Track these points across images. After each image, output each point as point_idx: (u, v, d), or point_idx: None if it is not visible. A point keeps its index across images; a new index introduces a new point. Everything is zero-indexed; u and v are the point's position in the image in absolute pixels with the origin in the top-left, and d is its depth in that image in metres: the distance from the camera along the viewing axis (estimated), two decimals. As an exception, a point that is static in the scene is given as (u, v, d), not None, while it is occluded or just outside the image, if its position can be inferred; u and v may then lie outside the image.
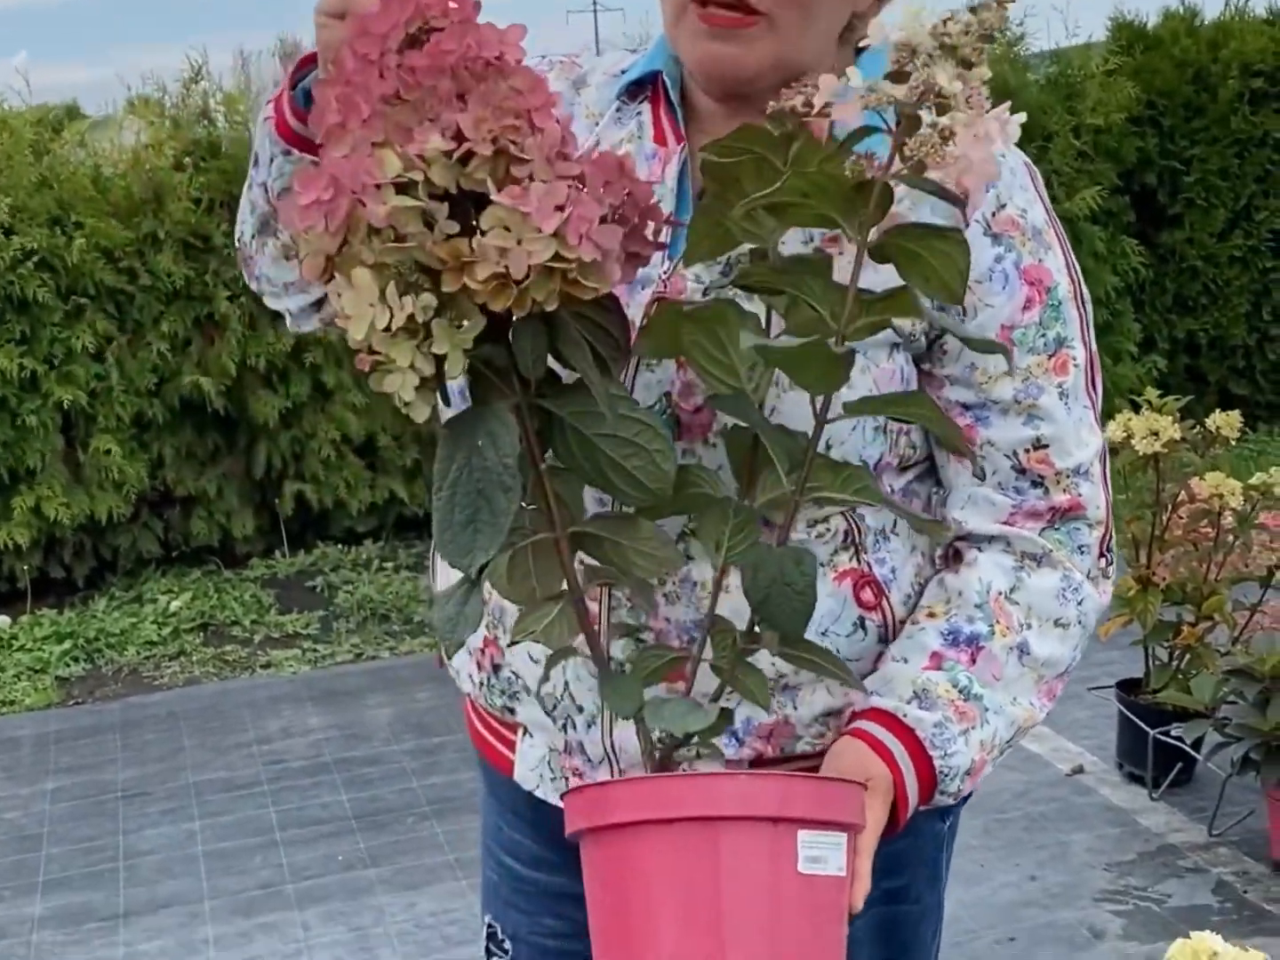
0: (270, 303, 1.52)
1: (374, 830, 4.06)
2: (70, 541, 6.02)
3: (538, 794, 1.52)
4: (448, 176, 1.04)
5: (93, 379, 5.83)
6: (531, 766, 1.53)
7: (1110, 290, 7.00)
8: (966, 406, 1.41)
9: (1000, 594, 1.40)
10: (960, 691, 1.37)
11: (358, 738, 4.71)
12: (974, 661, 1.38)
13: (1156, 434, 3.74)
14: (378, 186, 1.03)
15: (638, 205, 1.12)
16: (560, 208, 1.02)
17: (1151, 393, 3.95)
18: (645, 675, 1.27)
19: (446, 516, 1.13)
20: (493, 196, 1.03)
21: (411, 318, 1.06)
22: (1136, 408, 3.91)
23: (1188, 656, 3.87)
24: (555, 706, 1.46)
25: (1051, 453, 1.40)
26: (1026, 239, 1.39)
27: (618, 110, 1.47)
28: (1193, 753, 3.83)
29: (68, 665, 5.55)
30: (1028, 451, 1.41)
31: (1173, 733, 3.81)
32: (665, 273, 1.38)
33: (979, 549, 1.43)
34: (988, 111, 1.08)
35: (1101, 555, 1.44)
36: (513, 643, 1.31)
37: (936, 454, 1.45)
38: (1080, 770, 4.12)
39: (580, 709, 1.45)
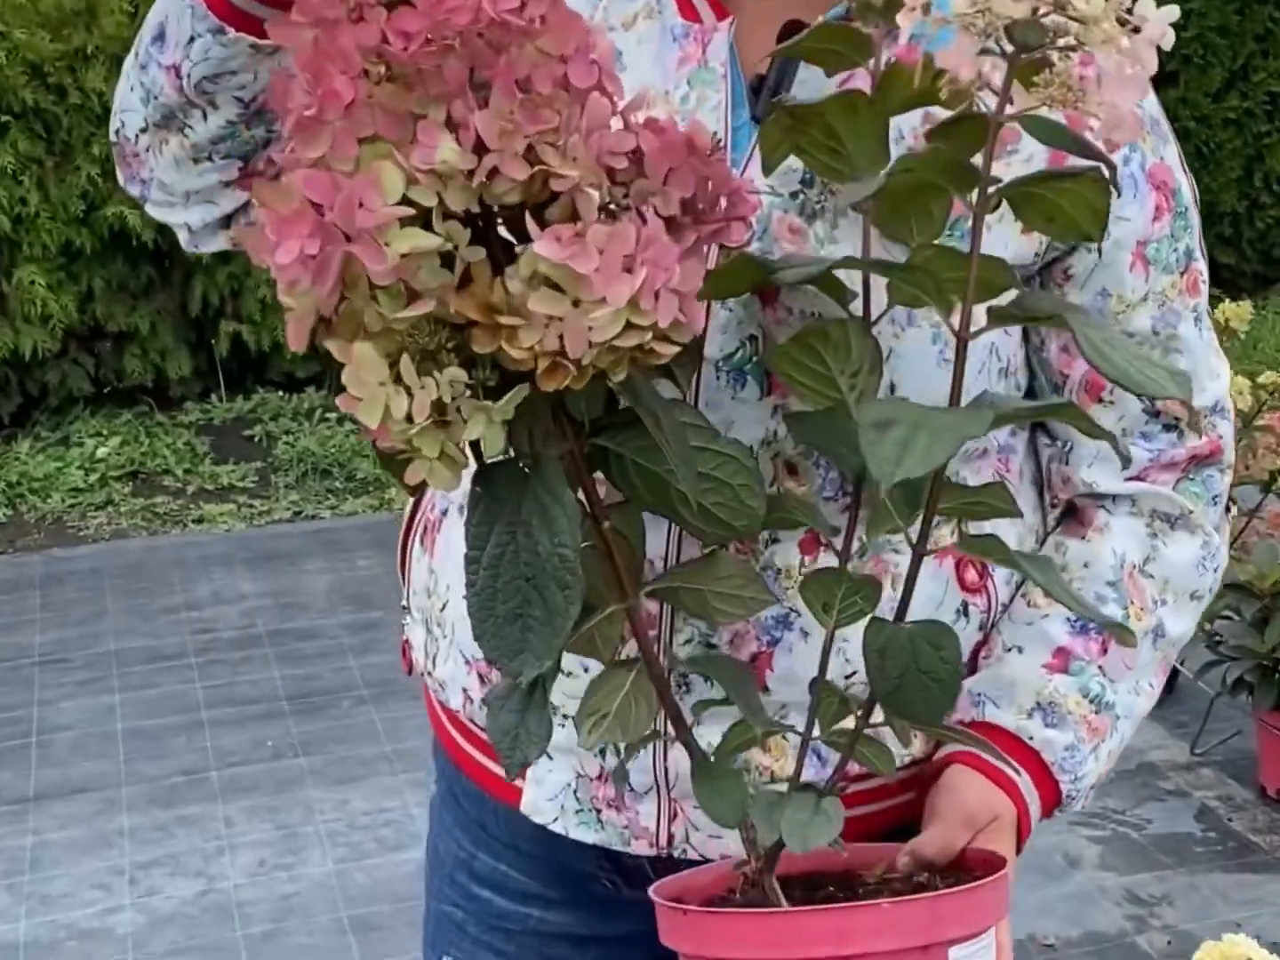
0: (159, 214, 1.18)
1: (307, 714, 3.81)
2: (-7, 376, 5.68)
3: (554, 827, 1.25)
4: (466, 197, 0.75)
5: (16, 203, 5.42)
6: (550, 795, 1.25)
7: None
8: None
9: (1135, 566, 1.23)
10: (1092, 702, 1.21)
11: (294, 607, 4.44)
12: (1105, 652, 1.22)
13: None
14: (377, 227, 0.74)
15: (718, 192, 0.82)
16: (630, 261, 0.74)
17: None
18: (735, 749, 1.05)
19: (488, 602, 0.90)
20: (535, 244, 0.75)
21: (438, 401, 0.79)
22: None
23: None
24: None
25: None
26: (1147, 133, 1.18)
27: None
28: (1179, 667, 3.62)
29: (-12, 510, 5.25)
30: None
31: (1158, 642, 3.59)
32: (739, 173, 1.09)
33: (1108, 510, 1.24)
34: (1137, 34, 0.77)
35: (1228, 502, 1.29)
36: (587, 746, 1.05)
37: (1054, 395, 1.23)
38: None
39: None
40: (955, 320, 0.92)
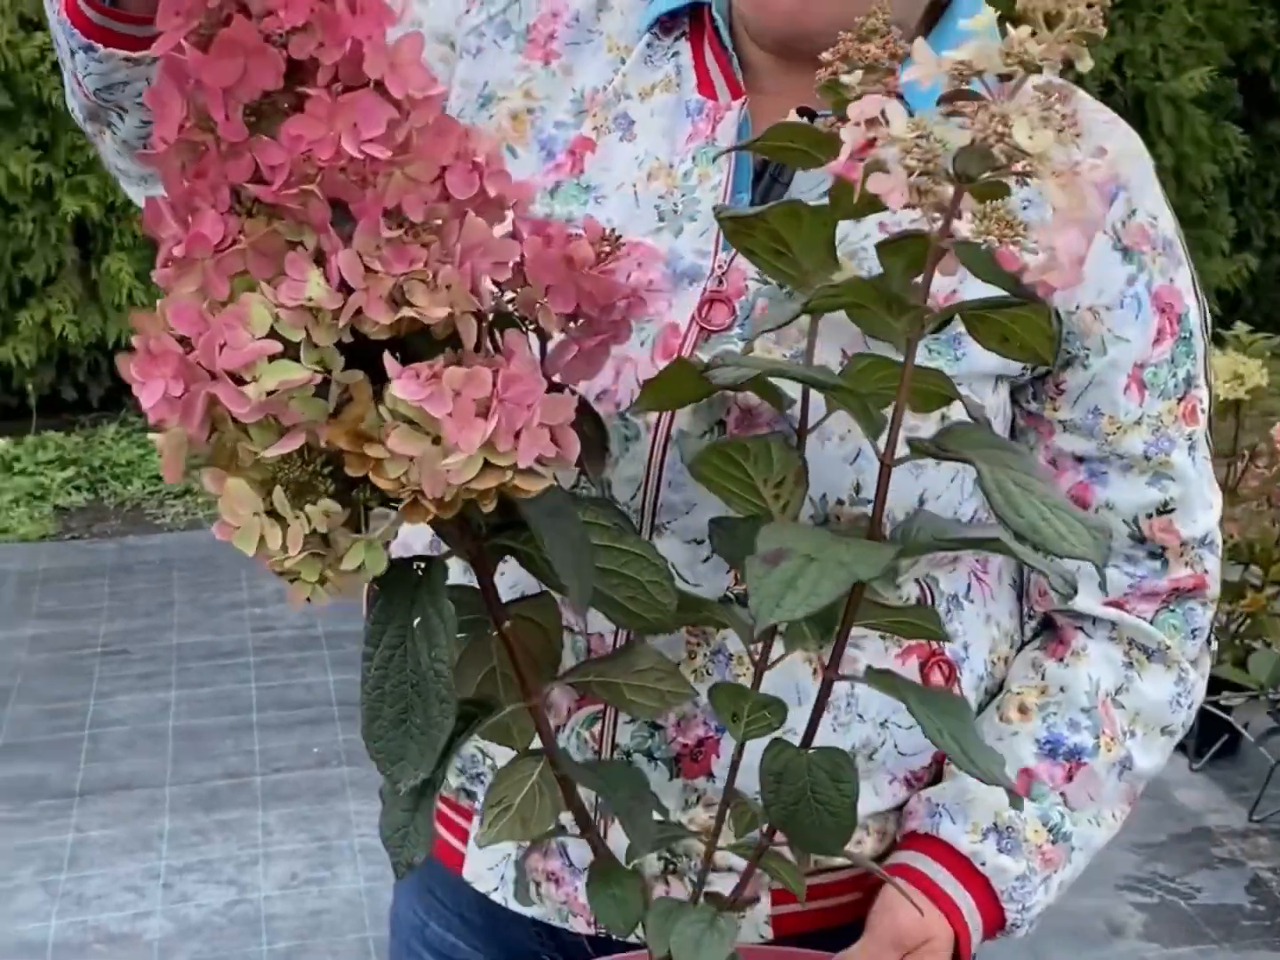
0: (132, 193, 1.17)
1: (354, 721, 3.77)
2: (84, 361, 5.75)
3: (495, 896, 1.22)
4: (334, 333, 0.73)
5: (109, 192, 5.48)
6: (491, 864, 1.22)
7: (1208, 180, 6.56)
8: (1081, 460, 1.17)
9: (1108, 695, 1.20)
10: (1050, 831, 1.17)
11: (354, 610, 4.42)
12: (1070, 779, 1.18)
13: (1241, 378, 3.35)
14: (244, 366, 0.72)
15: (607, 301, 0.78)
16: (487, 407, 0.71)
17: (1242, 328, 3.56)
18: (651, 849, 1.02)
19: (376, 703, 0.88)
20: (391, 384, 0.72)
21: (314, 532, 0.77)
22: (1220, 342, 3.52)
23: (1249, 623, 3.54)
24: None
25: (1177, 518, 1.19)
26: (1158, 254, 1.14)
27: (649, 46, 1.16)
28: (1243, 731, 3.52)
29: (69, 494, 5.31)
30: (1150, 517, 1.18)
31: (1222, 702, 3.49)
32: (722, 265, 1.09)
33: (1086, 633, 1.21)
34: (1089, 169, 0.72)
35: (1210, 635, 1.24)
36: (481, 843, 1.02)
37: None
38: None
39: None
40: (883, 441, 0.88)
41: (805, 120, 1.05)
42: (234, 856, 3.27)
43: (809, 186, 1.07)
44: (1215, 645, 1.25)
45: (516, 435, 0.72)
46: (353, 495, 0.80)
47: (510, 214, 0.77)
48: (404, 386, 0.71)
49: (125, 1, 0.96)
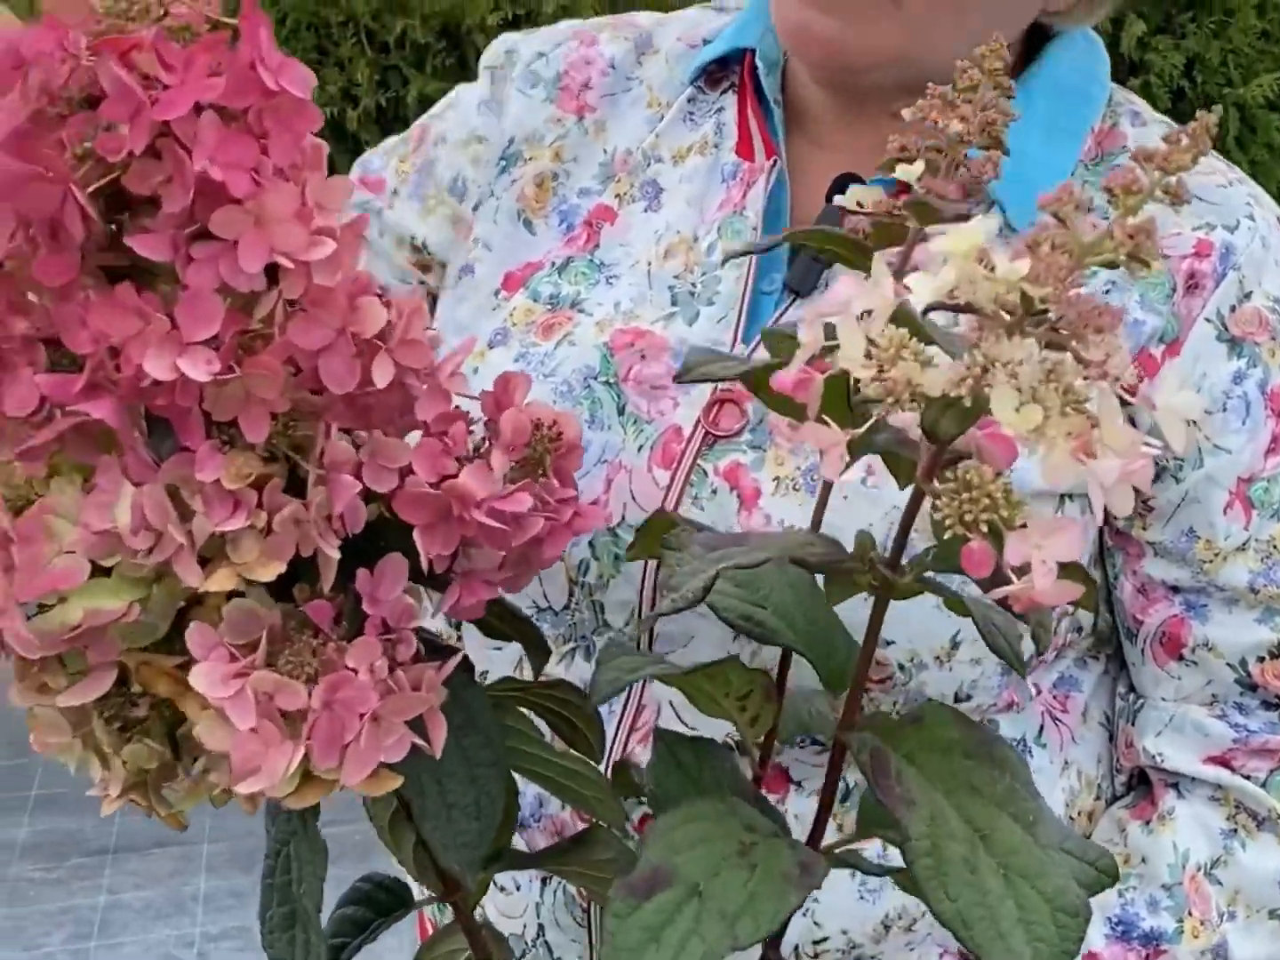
0: None
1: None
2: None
3: None
4: (145, 574, 0.56)
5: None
6: None
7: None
8: (1176, 590, 0.99)
9: (1199, 868, 1.00)
10: None
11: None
12: None
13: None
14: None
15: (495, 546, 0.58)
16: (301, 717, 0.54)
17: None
18: None
19: (268, 897, 0.74)
20: (194, 669, 0.54)
21: (140, 771, 0.61)
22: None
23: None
24: (524, 956, 1.06)
25: None
26: (1278, 346, 0.95)
27: (690, 101, 1.05)
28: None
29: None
30: (1261, 661, 0.99)
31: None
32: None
33: (1178, 792, 1.02)
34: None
35: None
36: None
37: (1126, 642, 1.03)
38: None
39: None
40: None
41: (851, 183, 0.91)
42: (270, 922, 3.11)
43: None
44: None
45: (342, 750, 0.54)
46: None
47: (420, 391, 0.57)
48: (203, 677, 0.53)
49: None
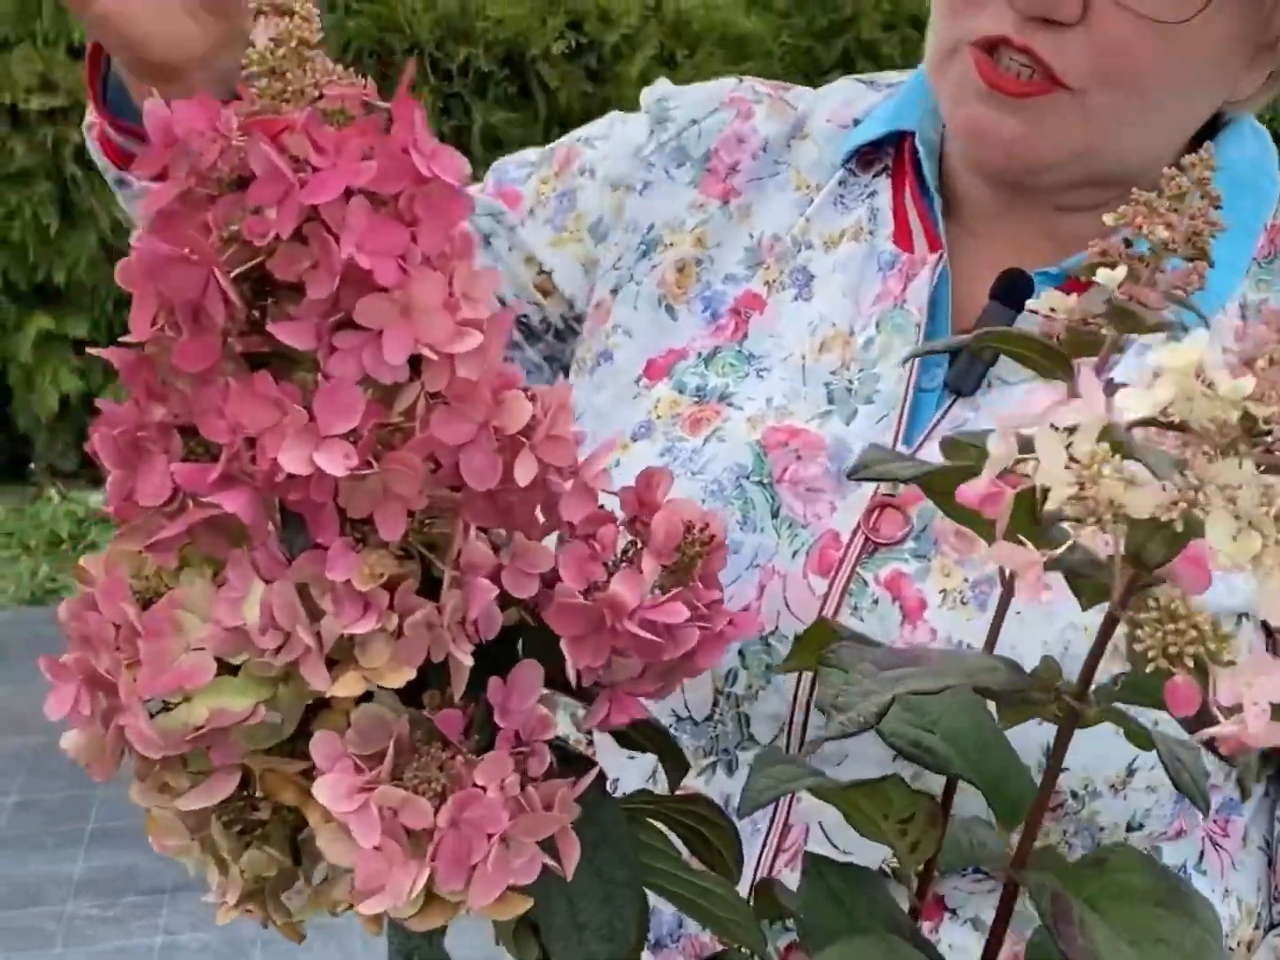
0: None
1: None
2: None
3: None
4: (272, 674, 0.54)
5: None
6: None
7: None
8: None
9: None
10: None
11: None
12: None
13: None
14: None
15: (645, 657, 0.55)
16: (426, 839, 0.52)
17: None
18: None
19: None
20: (316, 781, 0.52)
21: (259, 879, 0.58)
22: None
23: None
24: None
25: None
26: None
27: (841, 184, 1.00)
28: None
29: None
30: None
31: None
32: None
33: None
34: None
35: None
36: None
37: None
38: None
39: None
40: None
41: (1016, 277, 0.90)
42: (329, 967, 3.08)
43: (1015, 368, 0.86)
44: None
45: (473, 869, 0.51)
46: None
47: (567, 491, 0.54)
48: (329, 790, 0.50)
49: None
